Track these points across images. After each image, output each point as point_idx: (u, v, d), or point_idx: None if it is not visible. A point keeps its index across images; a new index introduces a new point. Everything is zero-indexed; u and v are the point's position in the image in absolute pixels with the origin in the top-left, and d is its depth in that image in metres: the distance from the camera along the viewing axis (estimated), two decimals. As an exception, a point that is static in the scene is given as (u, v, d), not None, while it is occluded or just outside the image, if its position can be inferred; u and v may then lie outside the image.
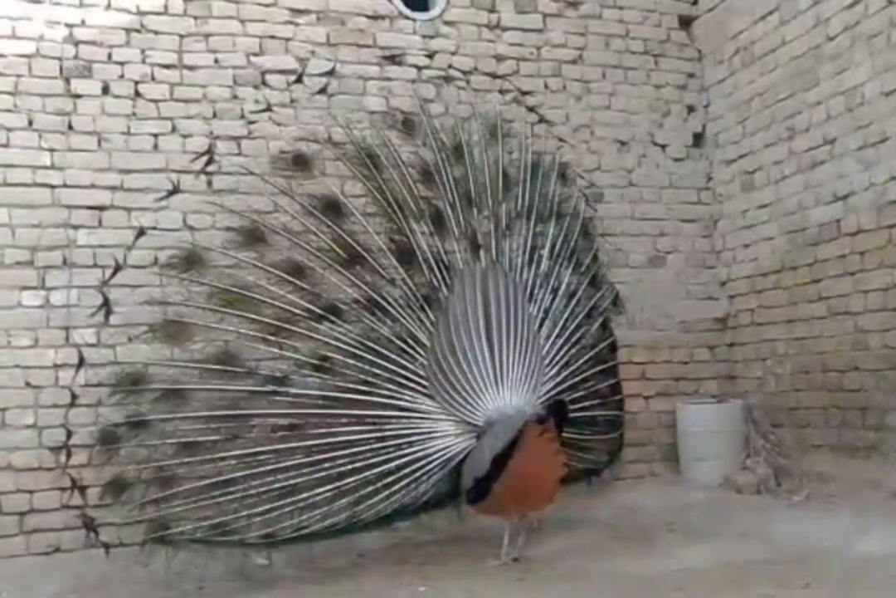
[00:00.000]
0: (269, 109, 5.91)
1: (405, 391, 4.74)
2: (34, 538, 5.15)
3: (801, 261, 5.98)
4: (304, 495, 4.40)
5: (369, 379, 4.69)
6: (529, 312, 5.20)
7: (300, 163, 5.37)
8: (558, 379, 5.12)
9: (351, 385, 4.66)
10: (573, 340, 5.31)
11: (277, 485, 4.41)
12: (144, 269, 5.51)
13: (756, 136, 6.40)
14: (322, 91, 6.04)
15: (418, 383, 4.78)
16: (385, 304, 4.88)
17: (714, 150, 6.84)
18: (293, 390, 4.58)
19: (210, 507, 4.40)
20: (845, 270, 5.62)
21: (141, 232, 5.52)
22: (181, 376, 4.62)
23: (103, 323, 5.41)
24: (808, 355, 5.93)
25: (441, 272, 5.11)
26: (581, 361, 5.33)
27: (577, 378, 5.27)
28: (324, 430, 4.53)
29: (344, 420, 4.61)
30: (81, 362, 5.32)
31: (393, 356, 4.77)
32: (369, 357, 4.72)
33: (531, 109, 6.53)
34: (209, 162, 5.71)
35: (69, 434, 5.23)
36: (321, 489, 4.42)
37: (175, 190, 5.64)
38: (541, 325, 5.24)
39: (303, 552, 4.70)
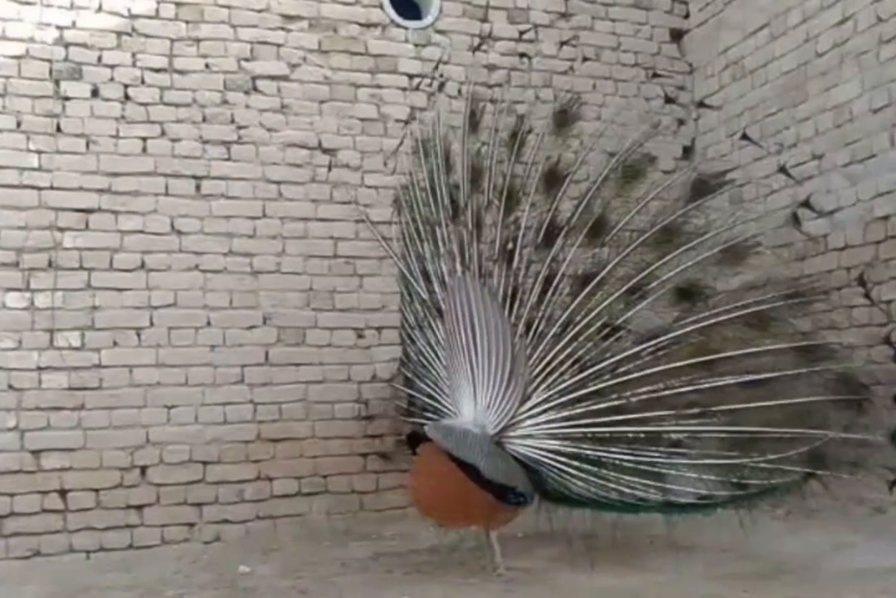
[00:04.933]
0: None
1: (443, 397, 4.98)
2: (13, 541, 5.13)
3: (787, 276, 5.98)
4: None
5: (429, 383, 5.15)
6: (504, 318, 4.87)
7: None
8: (560, 387, 4.66)
9: (423, 388, 5.22)
10: (587, 335, 4.75)
11: None
12: (131, 272, 5.52)
13: (745, 150, 6.43)
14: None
15: (443, 390, 5.02)
16: (426, 324, 5.38)
17: (703, 163, 6.85)
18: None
19: None
20: (831, 285, 5.63)
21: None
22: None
23: (89, 326, 5.41)
24: (793, 369, 5.92)
25: (439, 291, 5.35)
26: (619, 356, 4.65)
27: (612, 382, 4.60)
28: None
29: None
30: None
31: (434, 366, 5.17)
32: (425, 366, 5.25)
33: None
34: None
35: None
36: None
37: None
38: (528, 329, 4.85)
39: (294, 561, 5.04)
